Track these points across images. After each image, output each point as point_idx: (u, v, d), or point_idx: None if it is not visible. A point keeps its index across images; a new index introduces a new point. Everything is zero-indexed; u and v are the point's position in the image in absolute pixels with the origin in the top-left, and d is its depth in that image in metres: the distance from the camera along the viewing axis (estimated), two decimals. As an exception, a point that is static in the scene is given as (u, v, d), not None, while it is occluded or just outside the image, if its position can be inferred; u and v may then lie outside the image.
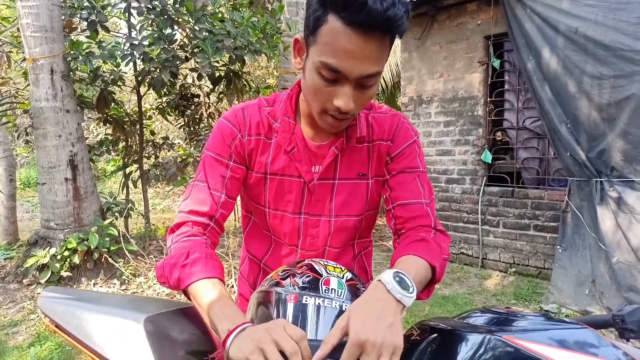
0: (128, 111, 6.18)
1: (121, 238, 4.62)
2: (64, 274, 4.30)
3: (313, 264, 0.95)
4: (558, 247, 4.06)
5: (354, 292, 0.91)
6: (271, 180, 1.12)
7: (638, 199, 3.49)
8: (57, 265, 4.28)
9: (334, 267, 0.95)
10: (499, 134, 4.88)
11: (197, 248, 0.96)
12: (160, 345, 0.90)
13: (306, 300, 0.86)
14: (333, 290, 0.88)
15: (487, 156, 4.76)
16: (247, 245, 1.29)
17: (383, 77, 8.61)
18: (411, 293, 0.82)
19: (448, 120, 5.12)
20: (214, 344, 1.03)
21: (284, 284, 0.91)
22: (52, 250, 4.36)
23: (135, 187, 6.12)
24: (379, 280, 0.82)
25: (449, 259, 1.05)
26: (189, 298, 0.94)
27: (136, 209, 5.74)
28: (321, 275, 0.91)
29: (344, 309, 0.85)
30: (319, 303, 0.85)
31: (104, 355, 0.89)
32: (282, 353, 0.72)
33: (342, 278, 0.92)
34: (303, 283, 0.89)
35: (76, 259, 4.33)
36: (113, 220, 4.89)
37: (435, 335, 0.94)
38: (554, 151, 4.16)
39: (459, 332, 0.92)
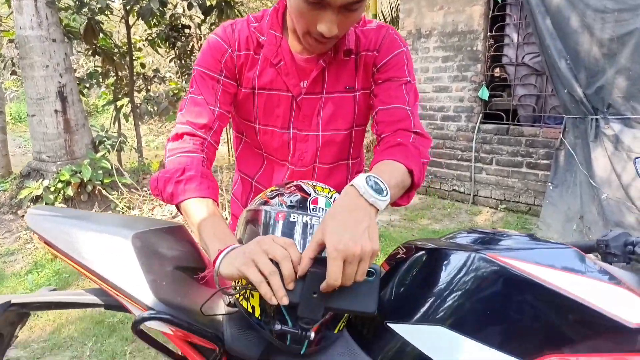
0: (117, 42, 5.99)
1: (114, 171, 4.61)
2: (58, 205, 4.33)
3: (302, 184, 0.94)
4: (549, 184, 4.10)
5: None
6: (259, 95, 1.10)
7: (633, 137, 3.49)
8: (51, 197, 4.30)
9: (322, 188, 0.95)
10: (497, 70, 4.79)
11: (194, 166, 0.96)
12: (149, 260, 0.90)
13: (294, 218, 0.86)
14: (321, 209, 0.88)
15: (484, 93, 4.70)
16: (239, 166, 1.29)
17: (381, 11, 8.33)
18: (385, 196, 0.80)
19: (446, 55, 5.00)
20: (202, 261, 1.04)
21: (272, 202, 0.91)
22: (45, 182, 4.36)
23: (127, 121, 6.04)
24: (352, 185, 0.80)
25: (428, 162, 1.04)
26: (181, 212, 0.95)
27: (128, 143, 5.70)
28: (309, 195, 0.91)
29: None
30: (306, 220, 0.85)
31: (93, 269, 0.90)
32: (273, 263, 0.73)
33: (330, 198, 0.92)
34: (291, 202, 0.89)
35: (69, 191, 4.34)
36: (105, 153, 4.86)
37: (421, 253, 0.95)
38: (552, 88, 4.10)
39: (444, 250, 0.93)
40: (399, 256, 1.00)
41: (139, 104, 5.74)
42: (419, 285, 0.92)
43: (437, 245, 0.96)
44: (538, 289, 0.82)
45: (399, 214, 4.67)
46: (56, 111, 4.52)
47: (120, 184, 4.54)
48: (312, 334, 0.76)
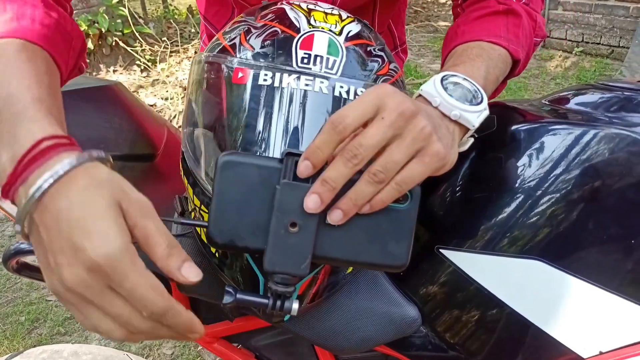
0: None
1: (135, 19, 4.17)
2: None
3: (286, 8, 0.52)
4: (644, 19, 3.37)
5: (362, 62, 0.49)
6: None
7: None
8: (70, 51, 3.99)
9: (325, 14, 0.51)
10: None
11: None
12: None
13: (266, 79, 0.45)
14: (319, 59, 0.46)
15: None
16: (201, 8, 0.79)
17: None
18: (479, 104, 0.45)
19: None
20: (149, 143, 0.67)
21: (229, 46, 0.50)
22: (62, 35, 4.01)
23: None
24: (419, 94, 0.45)
25: (540, 42, 0.64)
26: None
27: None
28: (298, 30, 0.48)
29: (340, 93, 0.45)
30: (289, 84, 0.45)
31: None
32: None
33: (339, 34, 0.49)
34: (263, 46, 0.48)
35: (90, 44, 4.00)
36: (122, -2, 4.38)
37: (512, 128, 0.54)
38: None
39: (545, 125, 0.52)
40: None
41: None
42: (499, 187, 0.53)
43: (532, 114, 0.55)
44: None
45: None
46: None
47: (137, 34, 4.12)
48: (295, 305, 0.40)
